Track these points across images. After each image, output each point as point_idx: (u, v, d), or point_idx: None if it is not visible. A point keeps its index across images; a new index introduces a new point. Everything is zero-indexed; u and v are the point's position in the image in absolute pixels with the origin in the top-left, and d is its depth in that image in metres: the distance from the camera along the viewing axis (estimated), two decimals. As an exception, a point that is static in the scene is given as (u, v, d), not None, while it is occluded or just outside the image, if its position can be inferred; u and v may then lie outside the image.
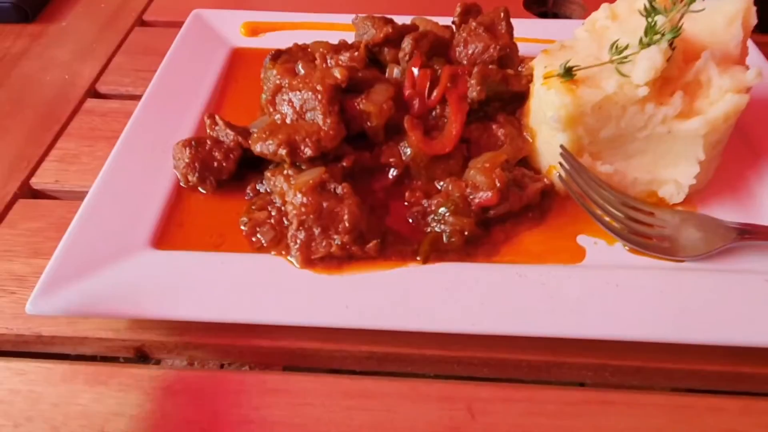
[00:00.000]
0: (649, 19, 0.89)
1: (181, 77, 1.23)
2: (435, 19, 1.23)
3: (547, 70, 0.99)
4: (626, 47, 0.91)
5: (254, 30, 1.38)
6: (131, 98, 1.29)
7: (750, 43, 1.27)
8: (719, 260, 0.92)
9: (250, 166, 1.05)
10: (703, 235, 0.94)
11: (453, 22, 1.20)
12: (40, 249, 0.98)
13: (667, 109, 0.91)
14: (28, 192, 1.11)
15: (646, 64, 0.88)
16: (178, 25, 1.39)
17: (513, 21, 1.17)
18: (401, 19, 1.22)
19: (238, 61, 1.33)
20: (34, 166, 1.14)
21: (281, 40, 1.31)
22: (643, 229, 0.96)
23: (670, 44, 0.89)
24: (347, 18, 1.26)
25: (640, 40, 0.90)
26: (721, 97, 0.91)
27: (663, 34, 0.88)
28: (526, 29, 1.28)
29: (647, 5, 0.89)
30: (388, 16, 1.22)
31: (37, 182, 1.11)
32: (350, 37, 1.23)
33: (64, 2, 1.61)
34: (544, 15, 1.70)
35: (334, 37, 1.22)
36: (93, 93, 1.33)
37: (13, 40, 1.47)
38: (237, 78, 1.29)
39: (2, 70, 1.38)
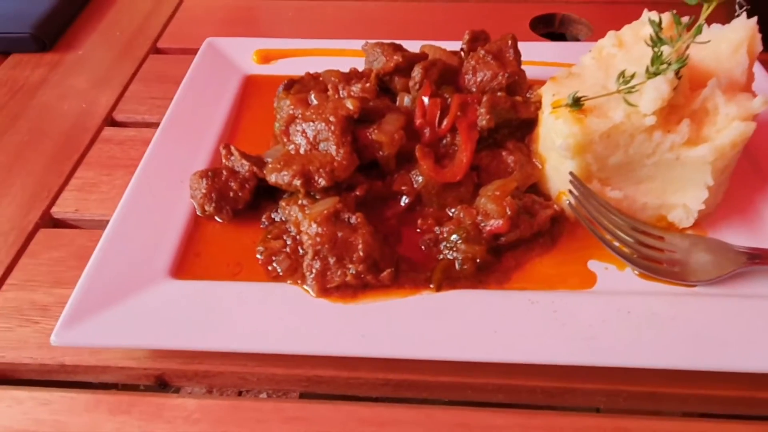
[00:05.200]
0: (656, 49, 0.91)
1: (196, 106, 1.26)
2: (444, 44, 1.25)
3: (555, 98, 1.00)
4: (633, 76, 0.92)
5: (266, 57, 1.41)
6: (147, 126, 1.32)
7: (760, 68, 1.28)
8: (730, 285, 0.93)
9: (266, 194, 1.07)
10: (713, 259, 0.95)
11: (461, 49, 1.22)
12: (62, 278, 1.00)
13: (675, 136, 0.92)
14: (49, 221, 1.13)
15: (653, 94, 0.89)
16: (192, 51, 1.42)
17: (521, 44, 1.19)
18: (410, 44, 1.24)
19: (251, 88, 1.35)
20: (54, 196, 1.16)
21: (293, 67, 1.35)
22: (653, 253, 0.97)
23: (677, 73, 0.91)
24: (357, 44, 1.28)
25: (647, 70, 0.91)
26: (727, 125, 0.92)
27: (669, 64, 0.90)
28: (534, 52, 1.30)
29: (653, 36, 0.91)
30: (397, 42, 1.24)
31: (58, 211, 1.14)
32: (360, 63, 1.25)
33: (80, 31, 1.64)
34: (550, 35, 1.71)
35: (344, 63, 1.25)
36: (110, 121, 1.36)
37: (32, 69, 1.50)
38: (250, 105, 1.31)
39: (21, 99, 1.41)
